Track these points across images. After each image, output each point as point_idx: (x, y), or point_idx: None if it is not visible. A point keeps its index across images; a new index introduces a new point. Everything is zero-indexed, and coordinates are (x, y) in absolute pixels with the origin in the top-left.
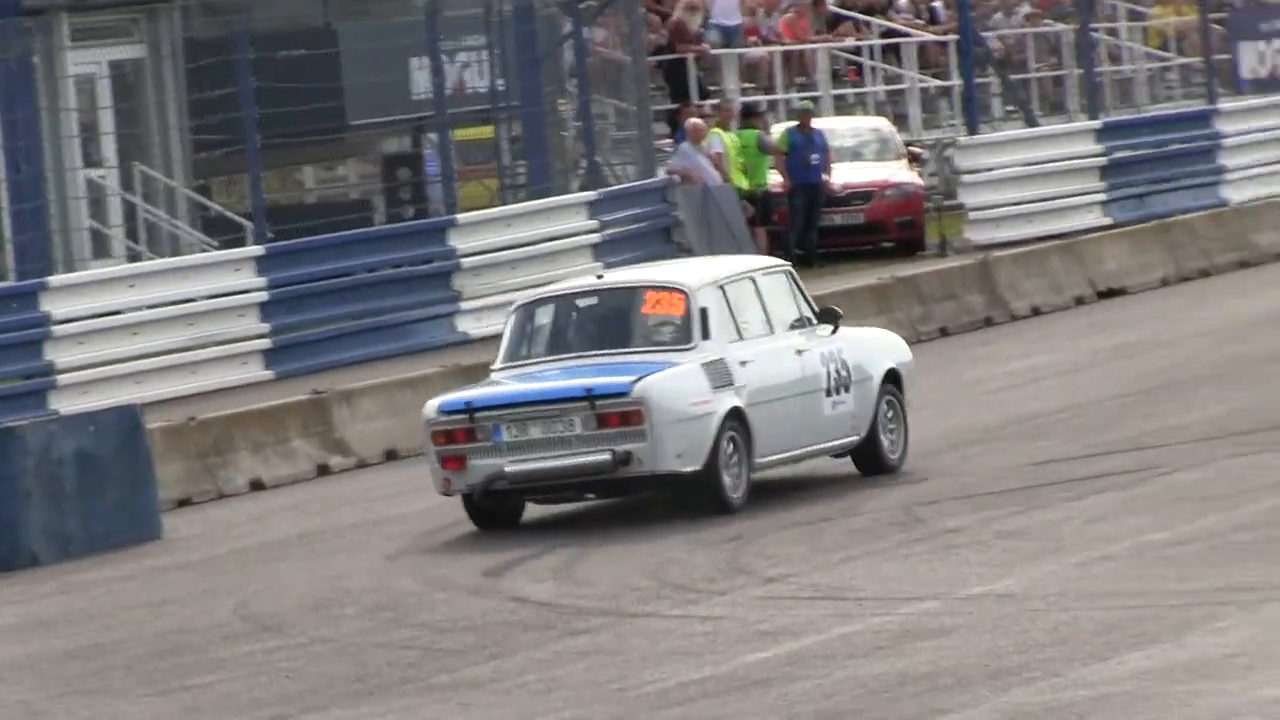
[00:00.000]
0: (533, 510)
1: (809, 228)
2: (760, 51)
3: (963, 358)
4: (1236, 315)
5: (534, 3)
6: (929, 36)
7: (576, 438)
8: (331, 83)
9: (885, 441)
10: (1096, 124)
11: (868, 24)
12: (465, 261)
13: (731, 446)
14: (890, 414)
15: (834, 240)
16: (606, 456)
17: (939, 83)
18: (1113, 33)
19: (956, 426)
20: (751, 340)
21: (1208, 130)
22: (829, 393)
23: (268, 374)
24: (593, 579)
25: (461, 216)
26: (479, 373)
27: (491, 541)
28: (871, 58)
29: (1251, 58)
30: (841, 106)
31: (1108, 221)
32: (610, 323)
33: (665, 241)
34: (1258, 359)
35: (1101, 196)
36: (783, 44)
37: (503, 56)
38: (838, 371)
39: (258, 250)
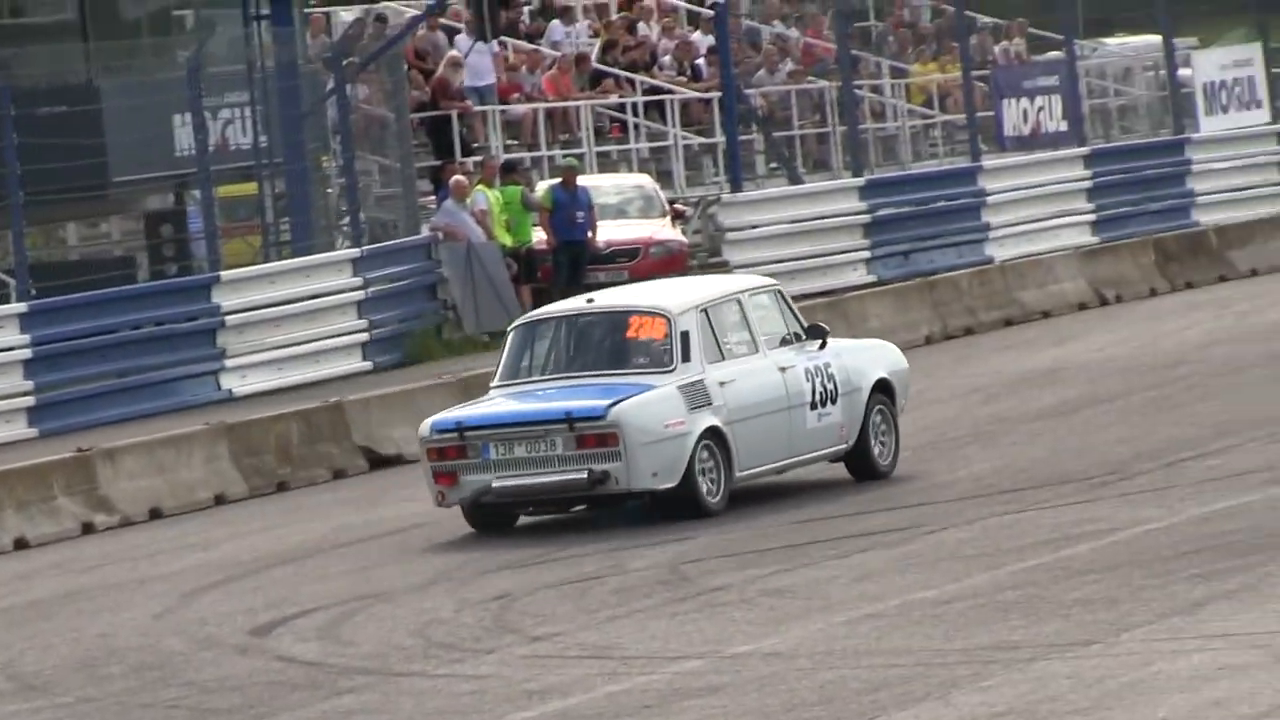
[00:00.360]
0: (302, 569)
1: (573, 285)
2: (524, 108)
3: None
4: (1001, 373)
5: (297, 59)
6: (692, 94)
7: (558, 457)
8: (94, 139)
9: (876, 448)
10: (860, 181)
11: (631, 81)
12: (229, 319)
13: (711, 462)
14: (880, 422)
15: None
16: (584, 475)
17: (702, 140)
18: (876, 90)
19: None
20: (734, 360)
21: (972, 187)
22: (813, 406)
23: (31, 432)
24: (359, 638)
25: (225, 274)
26: (243, 431)
27: (258, 600)
28: (635, 114)
29: (1014, 115)
30: (605, 163)
31: (872, 279)
32: (598, 345)
33: (430, 299)
34: (1023, 417)
35: (865, 254)
36: (546, 101)
37: (266, 113)
38: (823, 385)
39: (21, 307)
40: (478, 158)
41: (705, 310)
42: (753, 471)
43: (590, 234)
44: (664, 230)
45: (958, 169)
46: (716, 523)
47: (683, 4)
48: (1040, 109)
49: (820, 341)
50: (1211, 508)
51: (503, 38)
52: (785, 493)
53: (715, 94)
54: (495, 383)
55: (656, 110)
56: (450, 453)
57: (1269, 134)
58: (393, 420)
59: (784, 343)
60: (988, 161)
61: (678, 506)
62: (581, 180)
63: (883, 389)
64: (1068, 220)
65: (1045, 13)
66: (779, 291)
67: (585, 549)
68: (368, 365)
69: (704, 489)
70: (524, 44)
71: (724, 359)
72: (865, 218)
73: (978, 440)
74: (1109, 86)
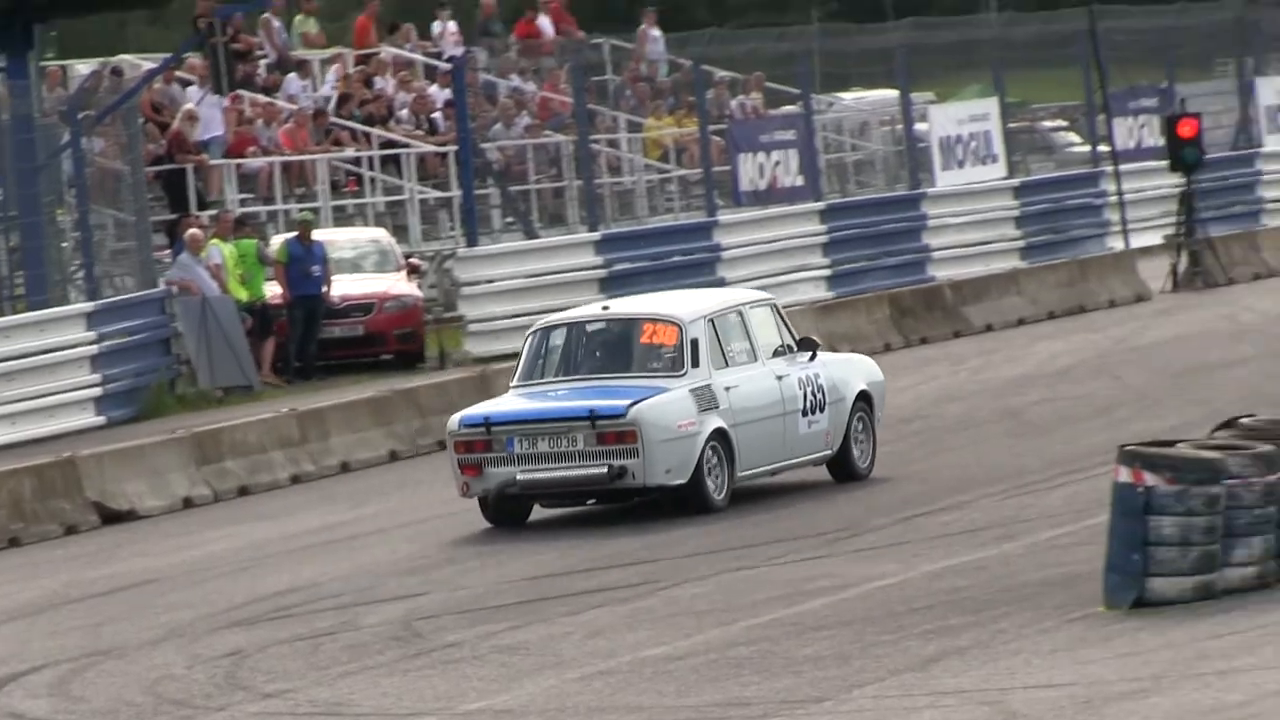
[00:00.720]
0: (34, 625)
1: (308, 340)
2: (260, 162)
3: None
4: None
5: (32, 112)
6: (428, 147)
7: (579, 452)
8: None
9: (856, 453)
10: (596, 236)
11: (367, 135)
12: None
13: (716, 461)
14: (861, 429)
15: (333, 353)
16: (604, 470)
17: (439, 194)
18: (613, 144)
19: (456, 540)
20: (737, 367)
21: (707, 242)
22: (805, 413)
23: None
24: (89, 695)
25: None
26: None
27: None
28: (371, 168)
29: (751, 170)
30: (341, 217)
31: None
32: (613, 349)
33: (164, 353)
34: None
35: None
36: (283, 154)
37: (1, 166)
38: (813, 394)
39: None
40: (213, 211)
41: (712, 320)
42: (751, 472)
43: (325, 288)
44: (399, 285)
45: (694, 224)
46: (450, 579)
47: (419, 58)
48: (777, 164)
49: (811, 353)
50: (945, 563)
51: (239, 91)
52: (517, 549)
53: (451, 148)
54: (514, 382)
55: (393, 164)
56: (477, 446)
57: (1005, 189)
58: (125, 475)
59: (777, 353)
60: (724, 216)
61: (687, 502)
62: (317, 234)
63: (863, 399)
64: (803, 275)
65: (782, 67)
66: (775, 305)
67: (319, 604)
68: (101, 420)
69: (710, 487)
70: (260, 97)
71: (728, 365)
72: (601, 272)
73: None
74: (845, 141)
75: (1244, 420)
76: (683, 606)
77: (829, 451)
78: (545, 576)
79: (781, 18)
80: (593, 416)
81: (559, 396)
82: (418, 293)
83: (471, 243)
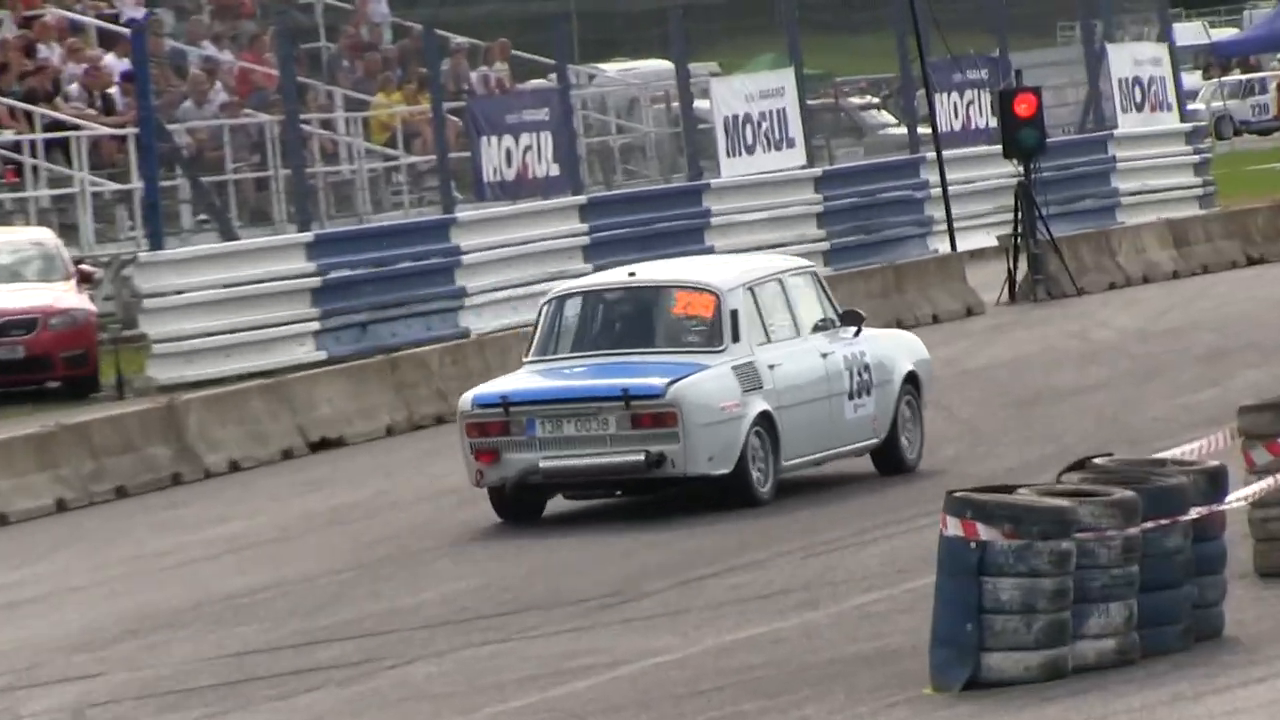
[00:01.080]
0: None
1: None
2: None
3: (146, 523)
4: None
5: None
6: (104, 130)
7: (611, 436)
8: None
9: (904, 442)
10: (308, 237)
11: (29, 114)
12: None
13: (761, 448)
14: (909, 415)
15: None
16: (640, 457)
17: (116, 186)
18: (328, 126)
19: (139, 608)
20: (779, 343)
21: (444, 245)
22: (851, 395)
23: None
24: None
25: None
26: None
27: None
28: (34, 155)
29: (496, 156)
30: None
31: (322, 356)
32: (641, 321)
33: None
34: (507, 526)
35: (315, 325)
36: None
37: None
38: (860, 374)
39: None
40: None
41: (751, 289)
42: (795, 462)
43: None
44: (68, 296)
45: (427, 221)
46: (131, 656)
47: (92, 21)
48: (527, 149)
49: (856, 329)
50: (735, 636)
51: None
52: (215, 619)
53: (131, 130)
54: (529, 357)
55: (60, 150)
56: (493, 429)
57: (804, 179)
58: None
59: (818, 328)
60: (463, 213)
61: (730, 494)
62: None
63: (911, 380)
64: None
65: (533, 33)
66: (815, 273)
67: None
68: None
69: (755, 477)
70: None
71: (769, 341)
72: (314, 281)
73: (451, 554)
74: (611, 122)
75: (1098, 460)
76: (415, 689)
77: (876, 440)
78: (248, 653)
79: None
80: (627, 396)
81: (584, 374)
82: (91, 306)
83: (156, 246)
